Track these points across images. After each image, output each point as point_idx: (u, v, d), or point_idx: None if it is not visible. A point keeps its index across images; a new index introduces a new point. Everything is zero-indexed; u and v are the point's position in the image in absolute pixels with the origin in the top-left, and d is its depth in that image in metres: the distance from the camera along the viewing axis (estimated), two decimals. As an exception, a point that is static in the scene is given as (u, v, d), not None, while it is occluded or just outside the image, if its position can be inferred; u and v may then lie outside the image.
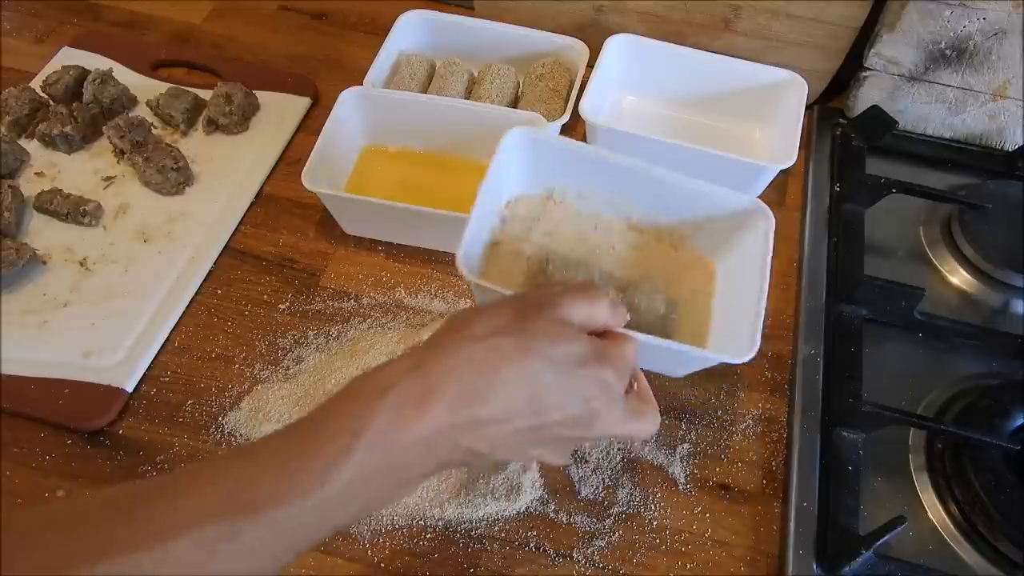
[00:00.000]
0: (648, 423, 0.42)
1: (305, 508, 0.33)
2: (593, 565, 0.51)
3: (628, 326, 0.43)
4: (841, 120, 0.77)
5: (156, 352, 0.59)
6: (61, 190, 0.66)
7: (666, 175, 0.56)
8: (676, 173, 0.56)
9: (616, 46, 0.74)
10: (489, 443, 0.36)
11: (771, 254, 0.52)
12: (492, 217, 0.57)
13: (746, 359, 0.49)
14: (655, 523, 0.53)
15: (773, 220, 0.53)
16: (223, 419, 0.56)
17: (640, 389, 0.44)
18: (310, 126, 0.75)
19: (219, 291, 0.63)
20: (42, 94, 0.73)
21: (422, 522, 0.52)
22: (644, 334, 0.46)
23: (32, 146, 0.71)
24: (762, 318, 0.50)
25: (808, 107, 0.76)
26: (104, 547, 0.30)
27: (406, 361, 0.36)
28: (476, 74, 0.77)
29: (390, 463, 0.34)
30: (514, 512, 0.53)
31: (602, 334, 0.41)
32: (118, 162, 0.70)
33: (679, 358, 0.54)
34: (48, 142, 0.71)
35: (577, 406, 0.37)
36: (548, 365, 0.36)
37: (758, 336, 0.49)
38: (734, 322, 0.53)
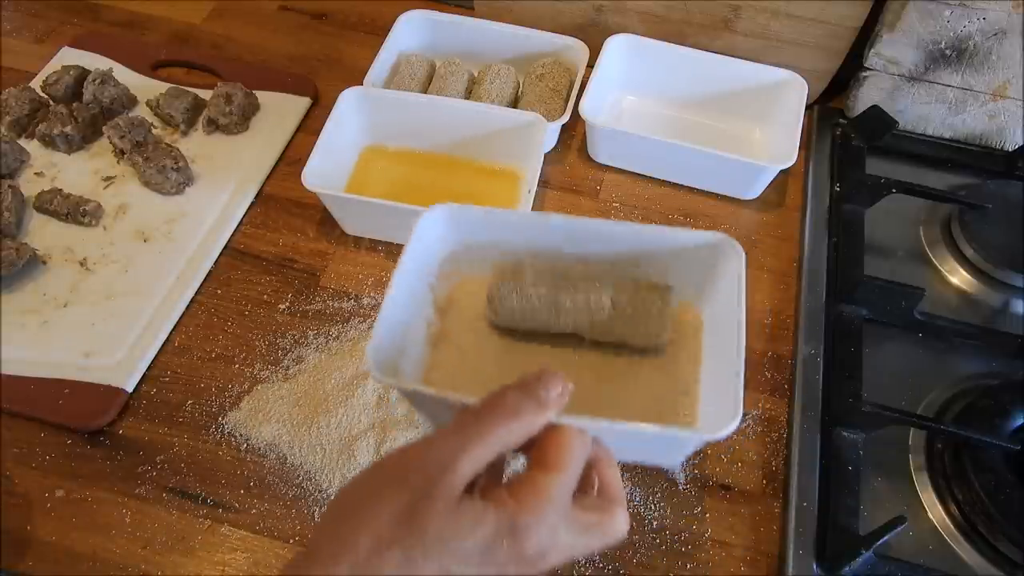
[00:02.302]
0: (609, 534, 0.35)
1: None
2: (593, 565, 0.51)
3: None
4: (841, 120, 0.77)
5: (156, 352, 0.59)
6: (61, 190, 0.66)
7: (616, 226, 0.49)
8: (630, 225, 0.49)
9: (616, 46, 0.74)
10: None
11: (744, 295, 0.45)
12: (421, 304, 0.49)
13: (724, 433, 0.39)
14: (655, 523, 0.53)
15: (743, 256, 0.46)
16: (223, 419, 0.56)
17: (602, 485, 0.37)
18: (310, 126, 0.75)
19: (219, 291, 0.63)
20: (42, 94, 0.73)
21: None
22: (593, 421, 0.36)
23: (32, 146, 0.71)
24: (741, 376, 0.41)
25: (808, 107, 0.76)
26: None
27: None
28: (476, 74, 0.77)
29: None
30: (514, 512, 0.53)
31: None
32: (118, 162, 0.70)
33: (643, 440, 0.42)
34: (48, 142, 0.71)
35: None
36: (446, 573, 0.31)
37: (740, 400, 0.40)
38: (720, 381, 0.45)
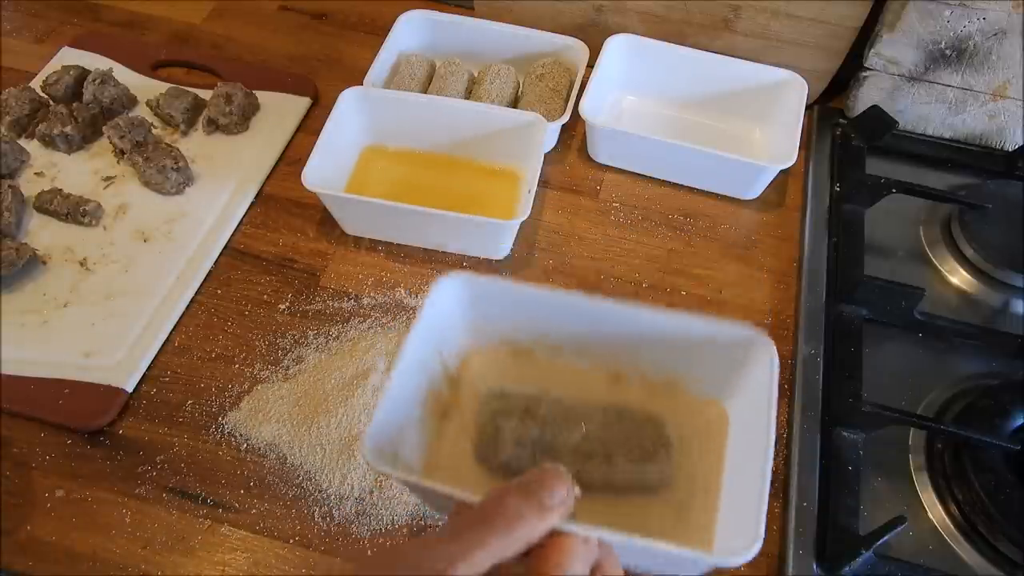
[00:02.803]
0: None
1: None
2: (593, 565, 0.51)
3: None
4: (841, 120, 0.77)
5: (156, 352, 0.59)
6: (61, 190, 0.66)
7: (639, 312, 0.46)
8: (654, 311, 0.46)
9: (616, 46, 0.74)
10: None
11: (775, 403, 0.41)
12: (427, 382, 0.47)
13: (741, 561, 0.36)
14: (655, 523, 0.53)
15: (776, 359, 0.43)
16: (223, 419, 0.56)
17: None
18: (310, 126, 0.75)
19: (219, 291, 0.63)
20: (42, 94, 0.73)
21: (422, 521, 0.52)
22: (599, 529, 0.34)
23: (32, 146, 0.71)
24: (765, 499, 0.38)
25: (808, 107, 0.76)
26: None
27: None
28: (476, 74, 0.77)
29: None
30: (514, 512, 0.52)
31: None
32: (118, 162, 0.70)
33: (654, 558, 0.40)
34: (48, 142, 0.71)
35: None
36: None
37: (761, 525, 0.37)
38: (741, 497, 0.42)
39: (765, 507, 0.37)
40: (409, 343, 0.43)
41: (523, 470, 0.40)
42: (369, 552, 0.50)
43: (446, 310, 0.47)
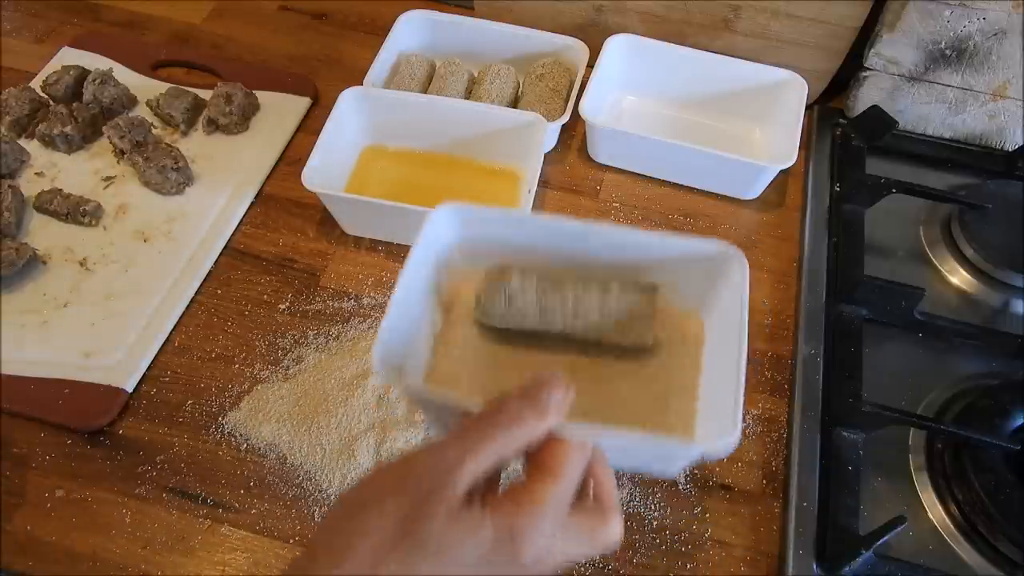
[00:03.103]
0: (604, 542, 0.36)
1: None
2: (593, 565, 0.51)
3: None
4: (841, 120, 0.77)
5: (156, 352, 0.59)
6: (61, 190, 0.67)
7: (622, 233, 0.49)
8: (635, 231, 0.49)
9: (616, 46, 0.74)
10: None
11: (747, 308, 0.44)
12: (426, 304, 0.49)
13: (719, 448, 0.39)
14: (655, 523, 0.53)
15: (747, 268, 0.46)
16: (223, 419, 0.56)
17: (598, 491, 0.38)
18: (310, 126, 0.75)
19: (219, 291, 0.63)
20: (42, 94, 0.73)
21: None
22: (592, 427, 0.37)
23: (32, 146, 0.71)
24: (741, 394, 0.40)
25: (808, 107, 0.76)
26: None
27: None
28: (476, 74, 0.77)
29: None
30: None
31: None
32: (118, 162, 0.70)
33: (642, 448, 0.42)
34: (48, 142, 0.71)
35: None
36: None
37: (738, 417, 0.39)
38: (719, 395, 0.45)
39: (741, 401, 0.40)
40: (404, 276, 0.45)
41: (525, 317, 0.47)
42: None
43: (438, 241, 0.49)
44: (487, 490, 0.35)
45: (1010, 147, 0.75)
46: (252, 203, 0.69)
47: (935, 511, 0.54)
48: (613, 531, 0.36)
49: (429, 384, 0.47)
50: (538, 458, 0.35)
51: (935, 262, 0.68)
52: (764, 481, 0.55)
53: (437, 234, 0.48)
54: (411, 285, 0.46)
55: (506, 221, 0.50)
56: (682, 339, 0.50)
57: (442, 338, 0.50)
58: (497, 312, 0.48)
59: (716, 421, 0.43)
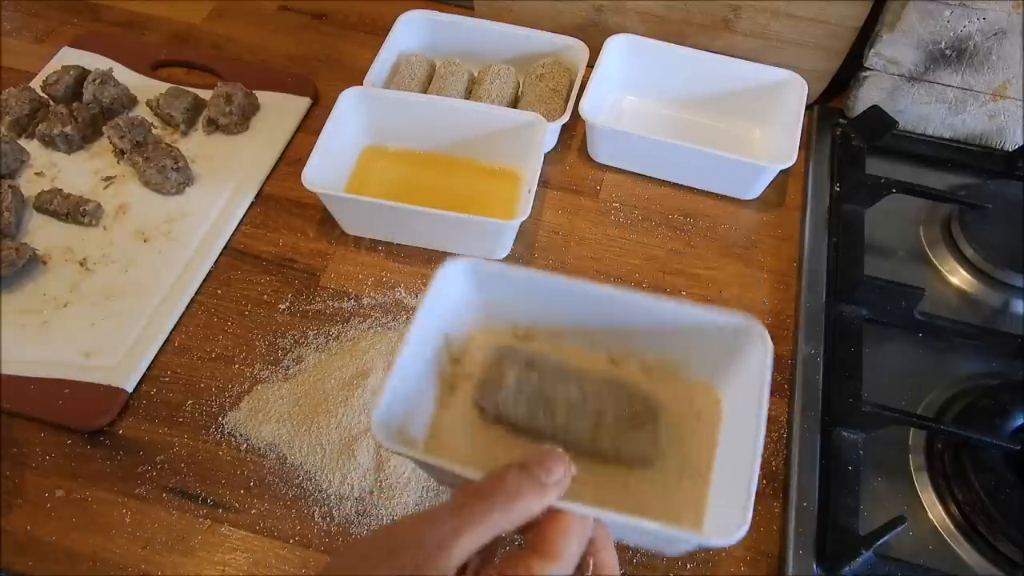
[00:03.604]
0: None
1: None
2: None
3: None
4: (841, 120, 0.77)
5: (156, 352, 0.59)
6: (61, 190, 0.66)
7: (641, 300, 0.47)
8: (653, 298, 0.47)
9: (616, 46, 0.74)
10: None
11: (767, 392, 0.42)
12: (430, 364, 0.47)
13: (728, 541, 0.37)
14: (655, 523, 0.53)
15: (770, 347, 0.43)
16: (223, 419, 0.56)
17: (597, 568, 0.36)
18: (310, 126, 0.75)
19: (219, 291, 0.63)
20: (42, 94, 0.73)
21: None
22: (594, 510, 0.35)
23: (32, 146, 0.71)
24: (754, 483, 0.38)
25: (808, 107, 0.76)
26: None
27: None
28: (476, 74, 0.77)
29: None
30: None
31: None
32: (118, 162, 0.70)
33: (639, 535, 0.41)
34: (48, 142, 0.71)
35: None
36: None
37: (749, 508, 0.37)
38: (731, 482, 0.42)
39: (753, 492, 0.38)
40: (416, 324, 0.44)
41: (519, 417, 0.44)
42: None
43: (451, 293, 0.48)
44: (481, 564, 0.34)
45: (1010, 147, 0.75)
46: (252, 203, 0.69)
47: (935, 511, 0.54)
48: None
49: (429, 449, 0.45)
50: (537, 536, 0.33)
51: (935, 262, 0.68)
52: (764, 481, 0.55)
53: (447, 289, 0.47)
54: (417, 342, 0.44)
55: (518, 280, 0.48)
56: (697, 415, 0.47)
57: (449, 394, 0.48)
58: (491, 407, 0.46)
59: (727, 510, 0.40)
